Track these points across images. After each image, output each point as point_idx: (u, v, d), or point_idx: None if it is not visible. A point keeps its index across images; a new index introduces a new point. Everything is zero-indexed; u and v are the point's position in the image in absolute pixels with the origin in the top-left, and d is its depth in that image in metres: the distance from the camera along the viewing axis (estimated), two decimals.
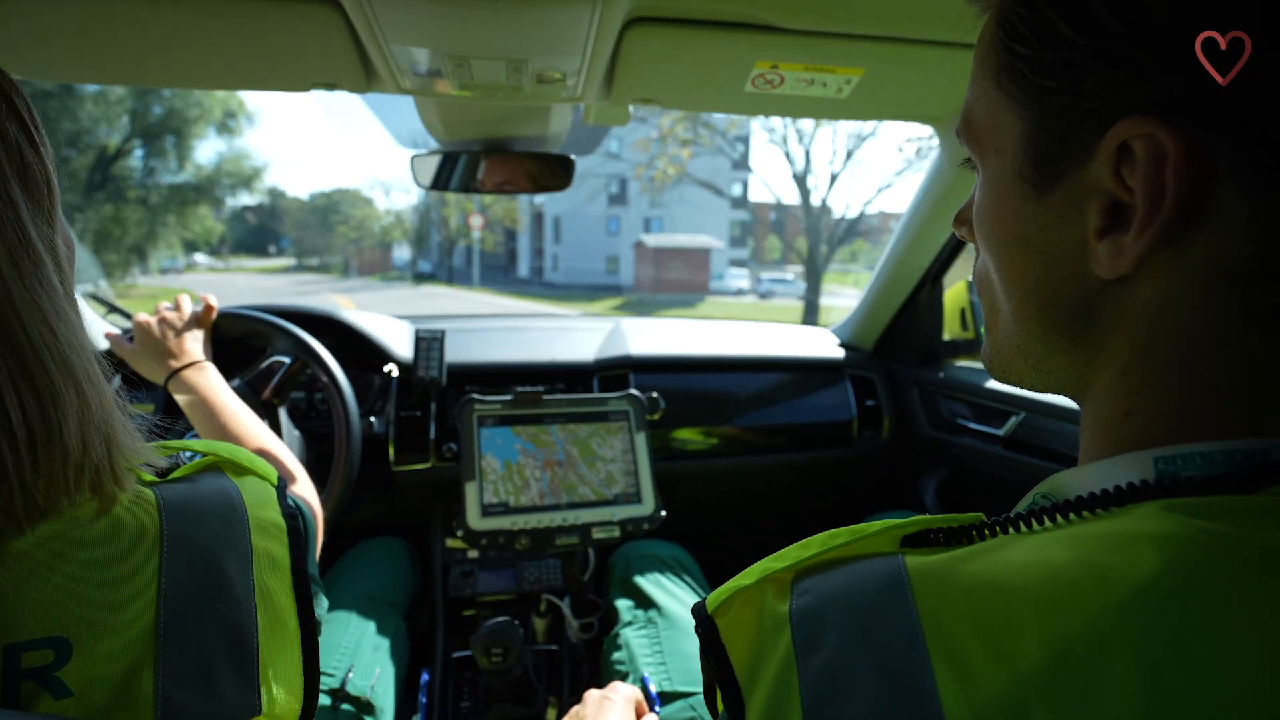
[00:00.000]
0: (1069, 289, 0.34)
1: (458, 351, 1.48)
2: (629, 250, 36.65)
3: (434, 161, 1.24)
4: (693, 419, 1.56)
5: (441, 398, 1.42)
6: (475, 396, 1.23)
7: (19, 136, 0.44)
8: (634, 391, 1.33)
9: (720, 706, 0.40)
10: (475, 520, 1.14)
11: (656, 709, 1.05)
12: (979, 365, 1.57)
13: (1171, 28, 0.28)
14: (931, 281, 1.57)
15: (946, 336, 1.64)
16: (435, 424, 1.39)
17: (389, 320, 1.54)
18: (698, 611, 0.36)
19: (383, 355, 1.42)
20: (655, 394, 1.35)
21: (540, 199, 36.39)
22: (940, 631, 0.28)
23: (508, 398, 1.25)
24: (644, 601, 1.26)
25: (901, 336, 1.70)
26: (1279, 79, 0.27)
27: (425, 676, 1.21)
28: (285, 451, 0.90)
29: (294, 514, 0.55)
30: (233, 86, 1.00)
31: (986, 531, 0.33)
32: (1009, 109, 0.35)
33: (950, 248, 1.47)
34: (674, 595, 1.26)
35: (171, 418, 0.64)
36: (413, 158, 1.25)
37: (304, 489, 0.84)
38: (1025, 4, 0.32)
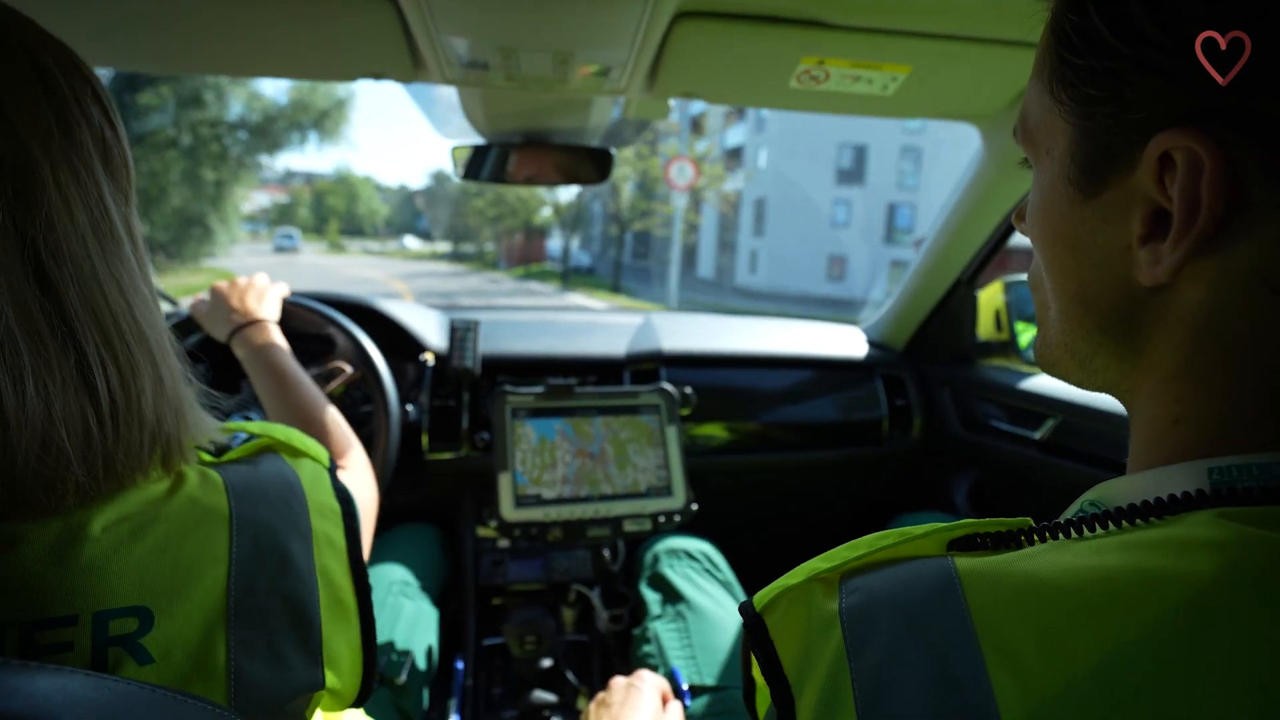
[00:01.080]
0: (1113, 293, 0.35)
1: (491, 342, 1.49)
2: (861, 246, 26.77)
3: (475, 152, 1.25)
4: (723, 414, 1.56)
5: (475, 387, 1.43)
6: (508, 388, 1.24)
7: (101, 120, 0.46)
8: (666, 385, 1.33)
9: (760, 707, 0.40)
10: (509, 511, 1.15)
11: (687, 702, 1.06)
12: (1013, 367, 1.55)
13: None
14: (966, 283, 1.56)
15: (980, 337, 1.62)
16: (468, 414, 1.41)
17: (424, 310, 1.56)
18: (745, 610, 0.37)
19: (418, 344, 1.44)
20: (689, 389, 1.36)
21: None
22: (993, 631, 0.28)
23: (540, 389, 1.26)
24: (673, 595, 1.26)
25: (934, 337, 1.68)
26: None
27: (460, 663, 1.23)
28: (346, 430, 0.91)
29: (346, 497, 0.57)
30: (282, 75, 1.02)
31: (1035, 537, 0.33)
32: (1059, 114, 0.35)
33: (987, 249, 1.46)
34: (703, 590, 1.27)
35: (225, 393, 0.66)
36: (453, 148, 1.27)
37: (360, 472, 0.86)
38: (1076, 11, 0.33)
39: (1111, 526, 0.31)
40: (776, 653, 0.34)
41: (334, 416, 0.91)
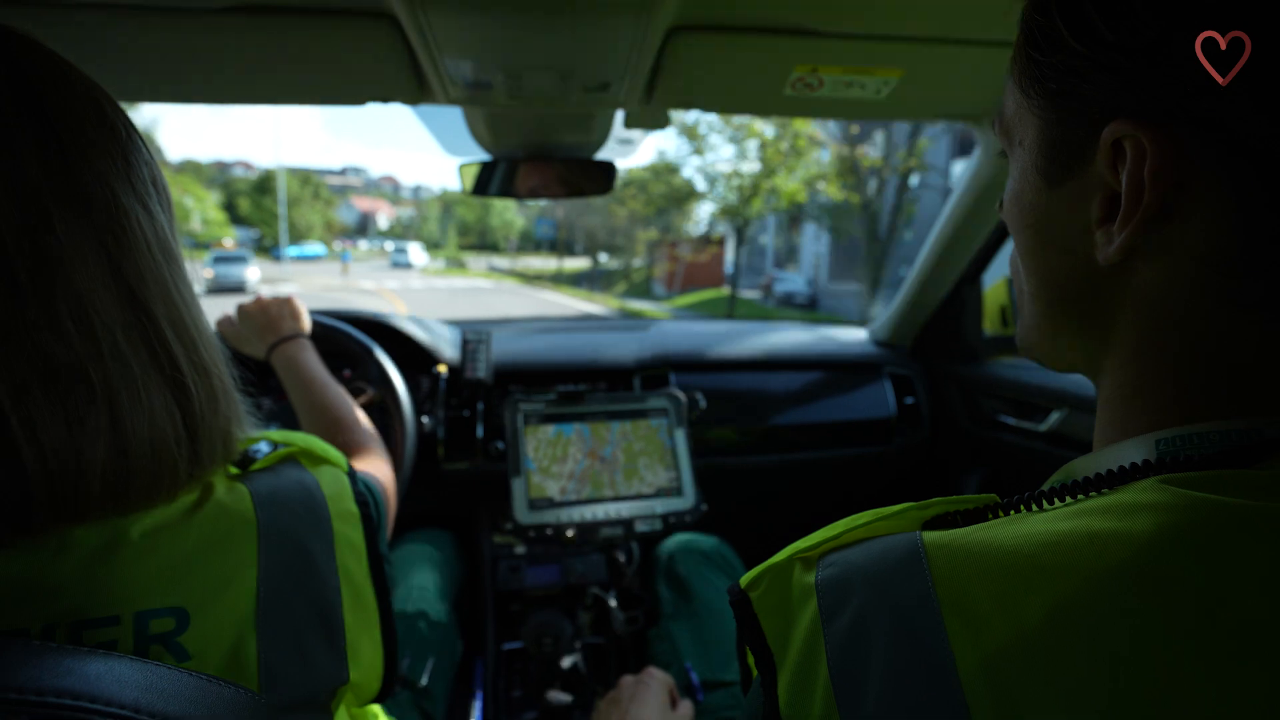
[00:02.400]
0: (1076, 275, 0.37)
1: (502, 353, 1.53)
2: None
3: (482, 169, 1.28)
4: (732, 417, 1.58)
5: (488, 398, 1.47)
6: (520, 396, 1.27)
7: (146, 152, 0.49)
8: (674, 390, 1.36)
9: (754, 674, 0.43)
10: (523, 515, 1.18)
11: (700, 697, 1.08)
12: (1019, 362, 1.56)
13: (1158, 38, 0.30)
14: (971, 279, 1.57)
15: (987, 334, 1.64)
16: (483, 424, 1.44)
17: (436, 323, 1.59)
18: (733, 589, 0.39)
19: (431, 357, 1.47)
20: (698, 393, 1.38)
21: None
22: (952, 593, 0.30)
23: (551, 396, 1.29)
24: (687, 594, 1.28)
25: (940, 334, 1.70)
26: (1258, 84, 0.29)
27: (480, 666, 1.25)
28: (370, 429, 0.94)
29: (365, 500, 0.60)
30: (292, 102, 1.06)
31: (1000, 511, 0.35)
32: (1028, 107, 0.38)
33: (990, 246, 1.47)
34: (716, 587, 1.29)
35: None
36: (461, 166, 1.30)
37: (381, 462, 0.89)
38: (1042, 13, 0.35)
39: (1069, 499, 0.34)
40: (760, 626, 0.37)
41: (360, 415, 0.95)
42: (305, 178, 48.36)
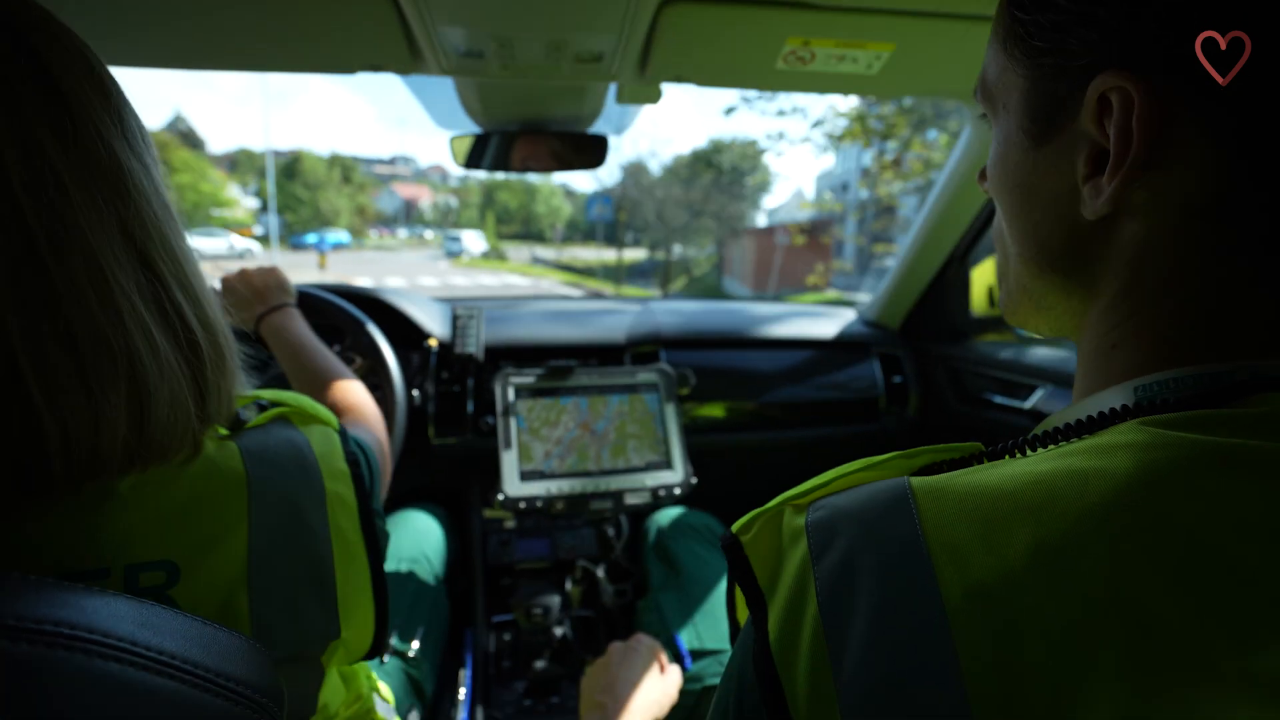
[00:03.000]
0: (1063, 232, 0.38)
1: (494, 330, 1.53)
2: None
3: (476, 141, 1.28)
4: (723, 394, 1.59)
5: (478, 373, 1.47)
6: (510, 369, 1.28)
7: (135, 111, 0.49)
8: (664, 365, 1.37)
9: (740, 620, 0.44)
10: (513, 486, 1.19)
11: (688, 665, 1.10)
12: (1005, 341, 1.58)
13: None
14: (959, 260, 1.59)
15: (974, 314, 1.65)
16: (473, 399, 1.44)
17: (427, 299, 1.59)
18: (725, 535, 0.40)
19: (422, 332, 1.47)
20: (688, 370, 1.39)
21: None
22: (939, 531, 0.31)
23: (541, 371, 1.30)
24: (675, 567, 1.30)
25: (929, 315, 1.71)
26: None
27: (470, 636, 1.27)
28: (361, 390, 0.95)
29: (356, 458, 0.60)
30: (282, 69, 1.05)
31: (985, 459, 0.36)
32: (1012, 69, 0.39)
33: (977, 226, 1.49)
34: (704, 560, 1.31)
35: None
36: (451, 139, 1.30)
37: (374, 422, 0.89)
38: None
39: (1050, 445, 0.35)
40: (751, 567, 0.37)
41: (352, 376, 0.95)
42: (335, 160, 45.19)
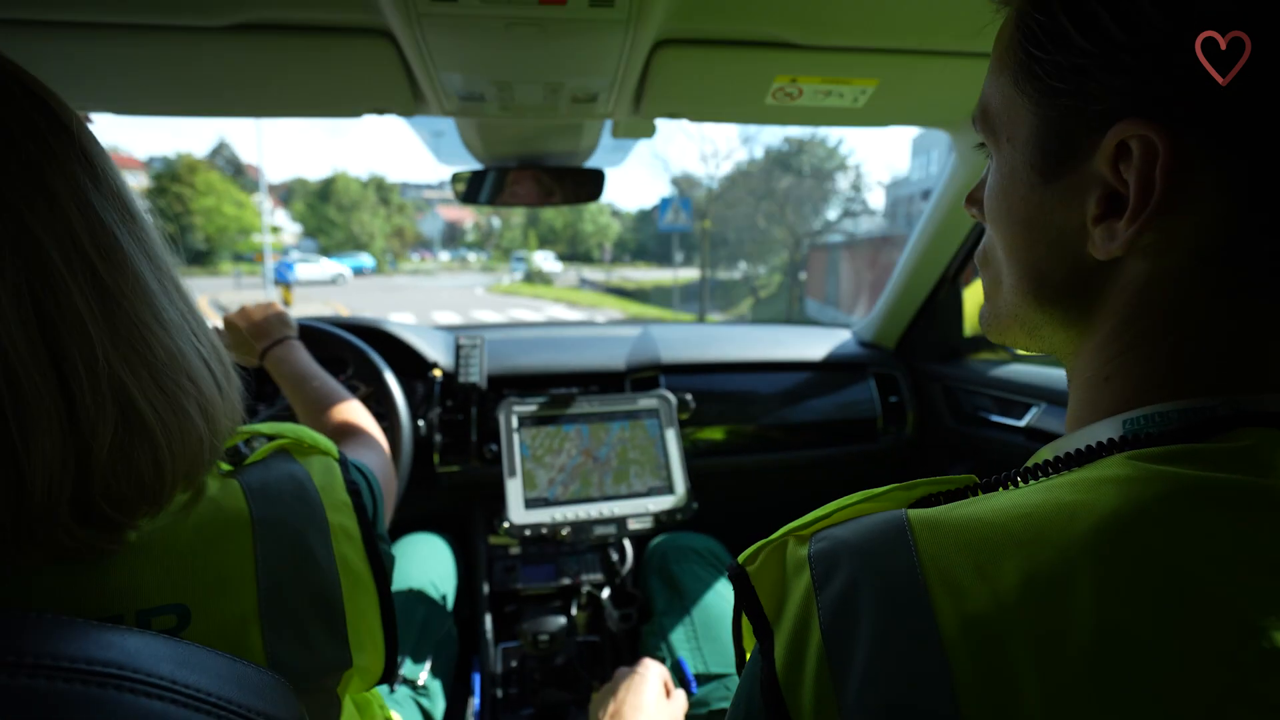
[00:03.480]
0: (1066, 268, 0.39)
1: (496, 358, 1.56)
2: None
3: (475, 177, 1.32)
4: (721, 418, 1.61)
5: (481, 402, 1.49)
6: (514, 398, 1.30)
7: (117, 174, 0.47)
8: (664, 391, 1.39)
9: (747, 650, 0.45)
10: (519, 514, 1.21)
11: (694, 689, 1.11)
12: (999, 360, 1.61)
13: (1168, 40, 0.32)
14: (950, 281, 1.62)
15: (967, 333, 1.68)
16: (476, 427, 1.47)
17: (430, 329, 1.62)
18: (731, 565, 0.42)
19: (425, 362, 1.50)
20: (688, 395, 1.42)
21: None
22: (935, 562, 0.32)
23: (544, 399, 1.32)
24: (680, 591, 1.31)
25: (923, 334, 1.74)
26: (1264, 83, 0.31)
27: (477, 664, 1.28)
28: (364, 414, 0.96)
29: (356, 487, 0.61)
30: (291, 114, 1.09)
31: (979, 491, 0.38)
32: (1023, 104, 0.39)
33: (968, 248, 1.52)
34: (706, 584, 1.32)
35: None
36: (453, 175, 1.33)
37: (376, 445, 0.91)
38: (1043, 10, 0.36)
39: (1042, 476, 0.36)
40: (758, 596, 0.39)
41: (355, 402, 0.97)
42: (372, 181, 43.18)
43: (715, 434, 1.62)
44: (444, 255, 51.57)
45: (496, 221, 50.61)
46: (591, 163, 1.35)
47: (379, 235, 41.44)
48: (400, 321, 1.57)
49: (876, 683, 0.31)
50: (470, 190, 1.35)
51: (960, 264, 1.57)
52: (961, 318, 1.68)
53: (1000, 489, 0.37)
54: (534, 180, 1.31)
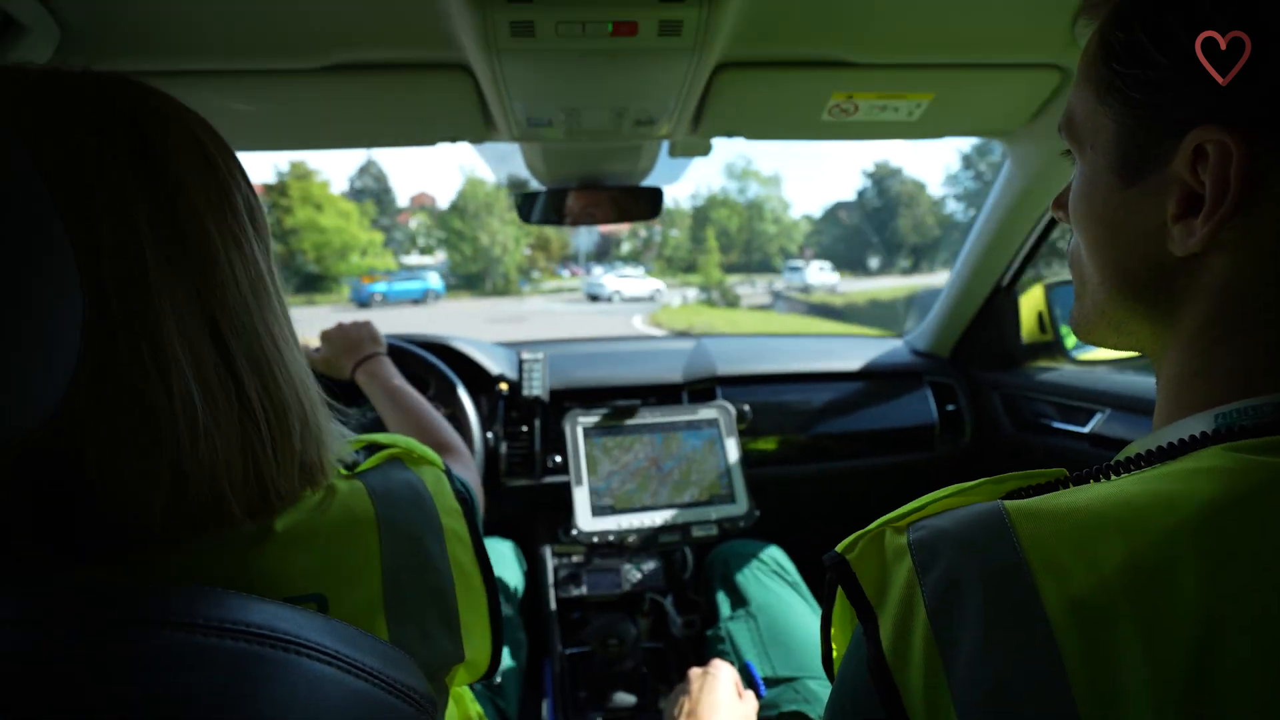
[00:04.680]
0: (1148, 266, 0.41)
1: (557, 372, 1.61)
2: None
3: (537, 198, 1.38)
4: (778, 427, 1.64)
5: (544, 414, 1.55)
6: (578, 410, 1.35)
7: (246, 186, 0.52)
8: (723, 402, 1.42)
9: (837, 664, 0.48)
10: (586, 522, 1.25)
11: (762, 692, 1.13)
12: (1059, 366, 1.60)
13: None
14: (1006, 288, 1.62)
15: (1025, 340, 1.67)
16: (540, 439, 1.52)
17: (493, 345, 1.69)
18: (828, 557, 0.44)
19: (491, 377, 1.56)
20: (746, 406, 1.45)
21: None
22: (1037, 549, 0.34)
23: (606, 410, 1.37)
24: (743, 597, 1.33)
25: (978, 342, 1.74)
26: None
27: (548, 667, 1.32)
28: (454, 432, 1.02)
29: (464, 495, 0.65)
30: (376, 145, 1.16)
31: (1070, 483, 0.40)
32: (1105, 114, 0.41)
33: (1024, 255, 1.52)
34: (770, 590, 1.34)
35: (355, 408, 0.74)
36: (518, 195, 1.40)
37: (469, 462, 0.96)
38: (1123, 28, 0.39)
39: (1134, 470, 0.38)
40: (859, 582, 0.41)
41: (444, 421, 1.02)
42: (511, 183, 34.58)
43: (771, 444, 1.64)
44: (598, 270, 42.97)
45: (656, 227, 44.12)
46: (649, 181, 1.40)
47: (514, 246, 35.05)
48: (465, 337, 1.63)
49: (988, 662, 0.33)
50: (532, 210, 1.40)
51: (1016, 271, 1.57)
52: (1018, 324, 1.67)
53: (1092, 481, 0.39)
54: (595, 199, 1.37)
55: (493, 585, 0.64)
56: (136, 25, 0.79)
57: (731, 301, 26.64)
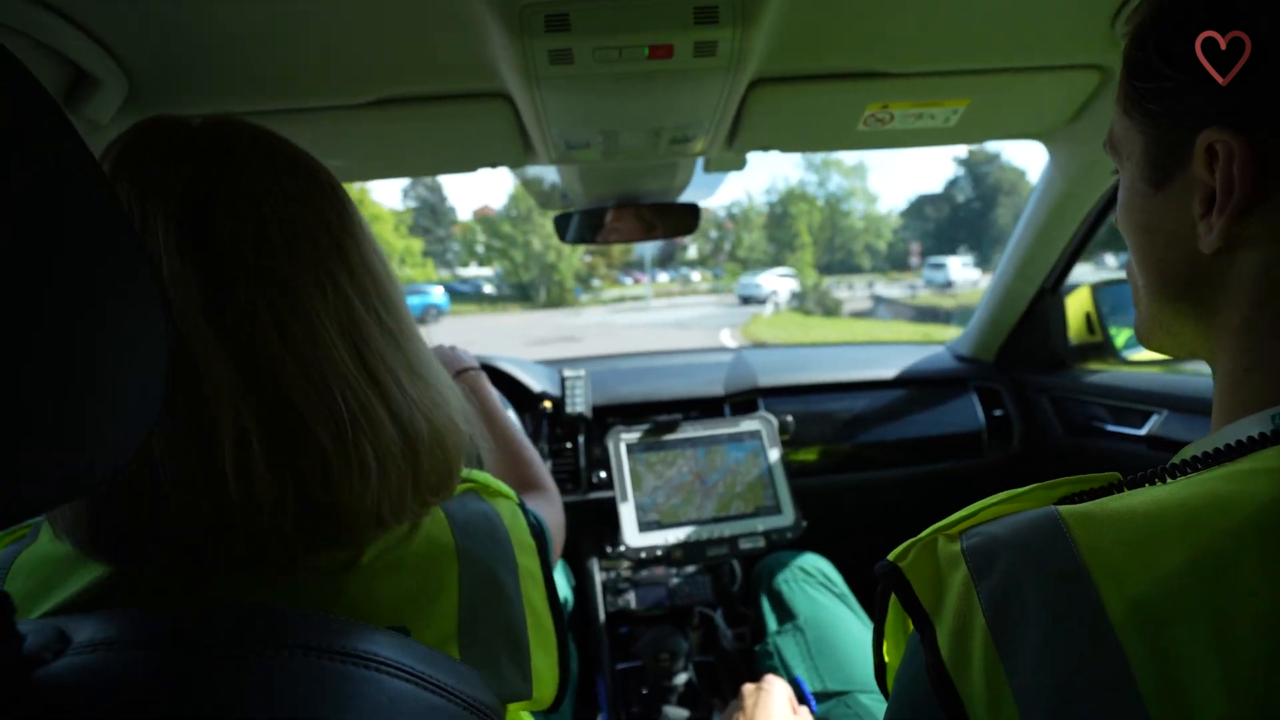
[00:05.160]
0: (1184, 265, 0.43)
1: (599, 389, 1.63)
2: None
3: (577, 217, 1.40)
4: (821, 438, 1.63)
5: (588, 431, 1.56)
6: (620, 426, 1.37)
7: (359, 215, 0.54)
8: (765, 413, 1.42)
9: (890, 679, 0.48)
10: (633, 537, 1.26)
11: (813, 707, 1.12)
12: (1110, 368, 1.56)
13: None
14: (1051, 290, 1.59)
15: (1072, 342, 1.64)
16: (584, 456, 1.53)
17: (533, 364, 1.71)
18: (881, 565, 0.44)
19: (533, 395, 1.58)
20: (789, 417, 1.44)
21: None
22: (1095, 551, 0.34)
23: (648, 426, 1.38)
24: (790, 611, 1.33)
25: (1024, 345, 1.71)
26: None
27: (601, 684, 1.33)
28: (542, 464, 1.02)
29: (539, 532, 0.65)
30: (419, 174, 1.20)
31: (1125, 487, 0.40)
32: (1132, 127, 0.45)
33: (1067, 256, 1.49)
34: (818, 603, 1.33)
35: None
36: (555, 217, 1.42)
37: (553, 501, 0.96)
38: (1140, 48, 0.43)
39: (1189, 473, 0.38)
40: (914, 590, 0.41)
41: (537, 456, 1.02)
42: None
43: (814, 454, 1.63)
44: (662, 276, 41.23)
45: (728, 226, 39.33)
46: (685, 197, 1.42)
47: (571, 252, 30.89)
48: (507, 356, 1.66)
49: (1051, 665, 0.33)
50: (571, 230, 1.43)
51: (1061, 273, 1.54)
52: (1065, 326, 1.64)
53: (1147, 485, 0.39)
54: (633, 217, 1.38)
55: (562, 625, 0.63)
56: (197, 72, 0.83)
57: (831, 309, 23.01)
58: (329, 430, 0.45)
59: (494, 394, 1.10)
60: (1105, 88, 1.04)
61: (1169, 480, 0.38)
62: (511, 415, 1.07)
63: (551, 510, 0.90)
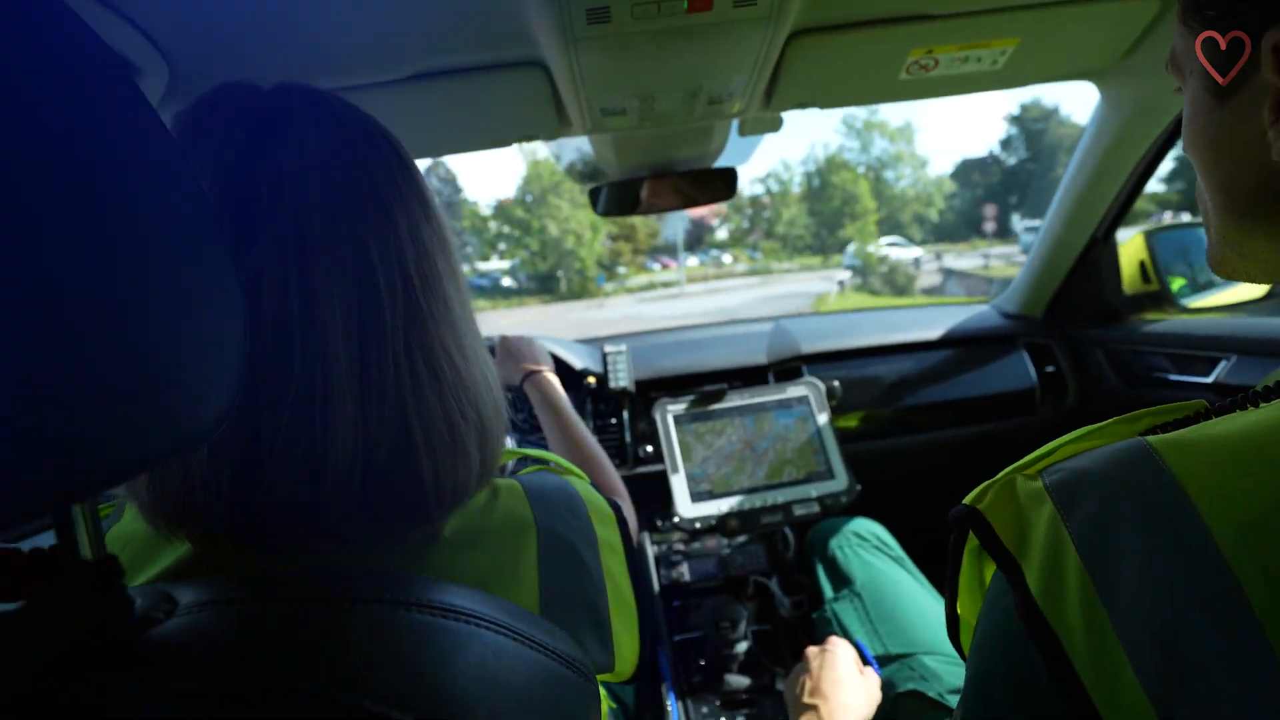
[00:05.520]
0: (1254, 178, 0.41)
1: (640, 363, 1.62)
2: None
3: (611, 189, 1.38)
4: (868, 402, 1.60)
5: (632, 405, 1.56)
6: (666, 398, 1.35)
7: (440, 209, 0.53)
8: (812, 379, 1.40)
9: (964, 639, 0.46)
10: (686, 509, 1.25)
11: (878, 671, 1.11)
12: (1169, 317, 1.50)
13: None
14: (1102, 240, 1.53)
15: (1127, 292, 1.58)
16: (630, 430, 1.53)
17: (573, 342, 1.71)
18: (956, 510, 0.43)
19: (577, 372, 1.58)
20: (835, 382, 1.42)
21: None
22: (1193, 477, 0.33)
23: (694, 396, 1.36)
24: (845, 576, 1.31)
25: (1075, 298, 1.65)
26: None
27: (663, 655, 1.33)
28: (612, 467, 1.03)
29: (616, 504, 0.65)
30: (454, 151, 1.19)
31: (1211, 415, 0.38)
32: (1192, 38, 0.42)
33: (1121, 202, 1.44)
34: (874, 567, 1.31)
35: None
36: (590, 189, 1.41)
37: (621, 486, 0.96)
38: None
39: (1276, 399, 0.36)
40: (995, 531, 0.40)
41: (607, 458, 1.03)
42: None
43: (859, 419, 1.60)
44: (692, 260, 38.58)
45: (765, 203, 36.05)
46: (721, 162, 1.39)
47: (592, 236, 28.47)
48: (547, 337, 1.66)
49: (1155, 595, 0.32)
50: (607, 202, 1.41)
51: (1114, 220, 1.48)
52: (1118, 276, 1.58)
53: (1237, 411, 0.37)
54: (669, 186, 1.36)
55: (642, 600, 0.62)
56: (236, 59, 0.83)
57: (901, 287, 20.59)
58: (420, 408, 0.45)
59: (564, 395, 1.10)
60: (1164, 16, 0.99)
61: (1260, 405, 0.37)
62: (581, 423, 1.07)
63: (624, 504, 0.90)
